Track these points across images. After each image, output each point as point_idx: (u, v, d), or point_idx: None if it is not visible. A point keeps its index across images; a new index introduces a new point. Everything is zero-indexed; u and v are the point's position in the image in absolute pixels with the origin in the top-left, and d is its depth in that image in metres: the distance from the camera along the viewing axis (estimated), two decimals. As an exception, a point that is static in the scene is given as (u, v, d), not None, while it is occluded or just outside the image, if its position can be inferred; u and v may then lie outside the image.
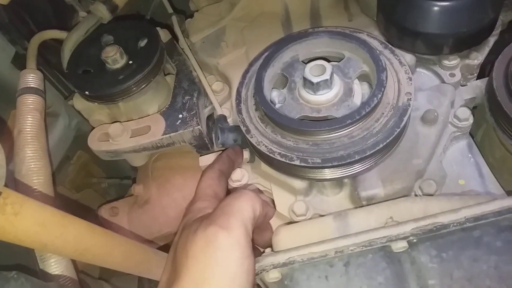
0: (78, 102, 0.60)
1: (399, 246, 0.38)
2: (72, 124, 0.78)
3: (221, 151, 0.54)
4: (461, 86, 0.55)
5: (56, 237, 0.33)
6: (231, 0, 0.70)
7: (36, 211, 0.32)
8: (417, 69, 0.58)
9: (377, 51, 0.48)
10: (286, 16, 0.64)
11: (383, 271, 0.38)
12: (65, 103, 0.74)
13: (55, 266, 0.42)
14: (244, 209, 0.40)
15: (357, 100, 0.48)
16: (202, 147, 0.57)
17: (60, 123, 0.75)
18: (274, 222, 0.49)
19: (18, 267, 0.41)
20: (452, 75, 0.55)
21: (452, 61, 0.55)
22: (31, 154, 0.51)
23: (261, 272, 0.39)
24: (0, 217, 0.29)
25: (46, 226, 0.32)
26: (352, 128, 0.45)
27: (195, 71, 0.62)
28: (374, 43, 0.51)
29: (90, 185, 0.83)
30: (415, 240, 0.38)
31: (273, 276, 0.39)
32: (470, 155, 0.51)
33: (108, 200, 0.74)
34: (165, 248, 0.52)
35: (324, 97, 0.47)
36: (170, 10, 0.69)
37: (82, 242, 0.35)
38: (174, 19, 0.67)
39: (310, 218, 0.48)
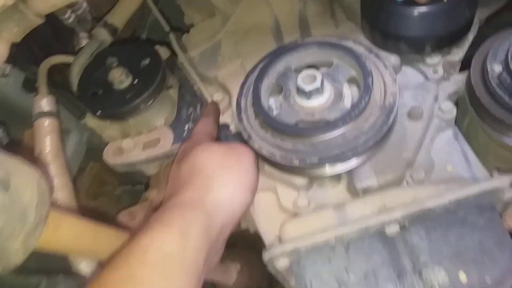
0: (91, 121, 0.65)
1: (392, 229, 0.43)
2: (83, 138, 0.83)
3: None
4: (445, 80, 0.60)
5: (91, 244, 0.38)
6: (224, 15, 0.75)
7: (73, 224, 0.37)
8: (403, 68, 0.62)
9: (363, 57, 0.53)
10: (277, 27, 0.69)
11: (380, 252, 0.43)
12: (75, 120, 0.79)
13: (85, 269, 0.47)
14: None
15: (347, 102, 0.53)
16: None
17: (72, 139, 0.80)
18: (280, 216, 0.54)
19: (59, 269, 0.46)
20: (435, 71, 0.60)
21: (434, 59, 0.59)
22: (54, 172, 0.56)
23: (271, 261, 0.44)
24: (45, 233, 0.33)
25: (83, 236, 0.36)
26: (344, 128, 0.50)
27: (197, 83, 0.67)
28: (360, 49, 0.56)
29: (104, 193, 0.88)
30: (406, 224, 0.43)
31: (282, 263, 0.44)
32: (456, 143, 0.56)
33: (124, 207, 0.79)
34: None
35: (316, 102, 0.52)
36: (167, 29, 0.74)
37: (113, 246, 0.40)
38: (172, 36, 0.72)
39: (312, 210, 0.53)
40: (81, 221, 0.38)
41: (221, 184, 0.46)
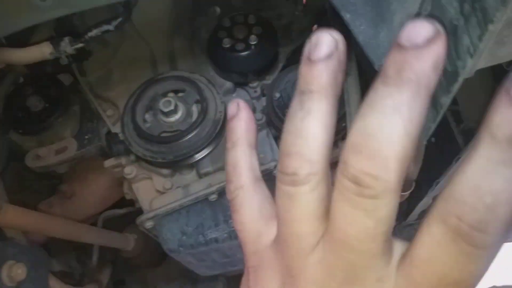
0: (14, 135, 0.87)
1: (213, 197, 0.73)
2: (4, 146, 1.03)
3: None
4: (262, 97, 0.91)
5: (26, 222, 0.63)
6: (114, 47, 0.99)
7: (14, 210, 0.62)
8: (237, 89, 0.92)
9: (202, 87, 0.82)
10: (152, 59, 0.95)
11: (205, 212, 0.73)
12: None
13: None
14: None
15: (194, 117, 0.82)
16: (104, 155, 0.87)
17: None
18: (155, 195, 0.82)
19: None
20: (255, 91, 0.90)
21: (254, 84, 0.89)
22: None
23: (142, 224, 0.72)
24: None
25: (20, 217, 0.61)
26: (190, 135, 0.78)
27: (93, 102, 0.92)
28: (203, 80, 0.84)
29: (25, 187, 1.10)
30: (219, 193, 0.73)
31: (148, 225, 0.72)
32: (267, 139, 0.88)
33: (42, 198, 1.02)
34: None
35: (173, 118, 0.79)
36: (70, 60, 0.96)
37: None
38: (73, 66, 0.94)
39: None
40: (18, 208, 0.62)
41: None
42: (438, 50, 0.19)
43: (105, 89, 0.94)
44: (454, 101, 0.68)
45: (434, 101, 0.26)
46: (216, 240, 0.71)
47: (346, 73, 0.66)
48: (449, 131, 0.82)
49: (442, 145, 0.87)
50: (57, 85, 0.88)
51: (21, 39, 0.74)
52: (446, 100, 0.25)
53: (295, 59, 0.95)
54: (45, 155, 0.83)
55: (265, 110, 0.86)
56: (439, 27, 0.19)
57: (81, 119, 0.89)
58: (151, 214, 0.72)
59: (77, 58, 0.98)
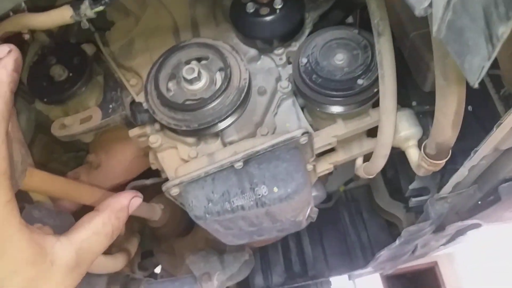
0: (39, 105, 0.87)
1: (238, 165, 0.71)
2: (32, 117, 1.04)
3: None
4: (288, 65, 0.88)
5: (52, 186, 0.63)
6: (136, 16, 0.97)
7: (40, 174, 0.62)
8: (262, 56, 0.89)
9: (226, 54, 0.79)
10: (175, 27, 0.93)
11: (231, 179, 0.71)
12: (25, 103, 1.00)
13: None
14: None
15: (218, 85, 0.80)
16: (130, 124, 0.87)
17: (22, 118, 1.02)
18: (180, 163, 0.81)
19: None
20: (281, 59, 0.87)
21: (279, 50, 0.86)
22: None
23: (167, 191, 0.71)
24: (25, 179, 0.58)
25: (46, 181, 0.61)
26: (214, 104, 0.76)
27: (116, 72, 0.91)
28: (226, 47, 0.81)
29: (53, 159, 1.11)
30: (245, 161, 0.71)
31: (174, 191, 0.71)
32: (293, 108, 0.85)
33: (70, 169, 1.03)
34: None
35: (197, 86, 0.77)
36: (93, 29, 0.95)
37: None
38: (96, 36, 0.94)
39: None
40: (44, 173, 0.62)
41: None
42: None
43: (127, 58, 0.93)
44: (494, 64, 0.64)
45: (488, 33, 0.22)
46: (242, 207, 0.69)
47: (378, 33, 0.62)
48: (487, 98, 0.78)
49: (480, 114, 0.82)
50: (81, 55, 0.87)
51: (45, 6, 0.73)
52: (504, 30, 0.22)
53: (322, 24, 0.91)
54: (71, 124, 0.83)
55: (291, 78, 0.83)
56: None
57: (105, 88, 0.88)
58: (176, 181, 0.71)
59: (99, 28, 0.97)
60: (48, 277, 0.46)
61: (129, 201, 0.58)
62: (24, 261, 0.44)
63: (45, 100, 0.83)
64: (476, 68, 0.25)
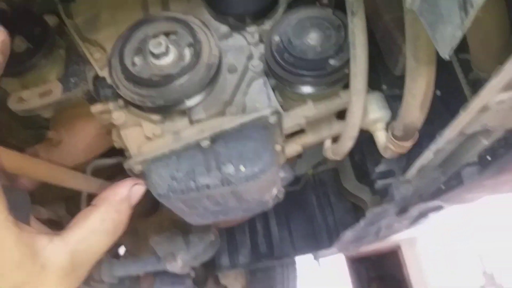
0: (-2, 78, 0.82)
1: (204, 143, 0.69)
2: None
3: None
4: (260, 44, 0.86)
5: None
6: (102, -13, 0.92)
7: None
8: (233, 34, 0.87)
9: (196, 29, 0.76)
10: (144, 0, 0.89)
11: (197, 158, 0.69)
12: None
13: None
14: None
15: (186, 61, 0.77)
16: (92, 100, 0.83)
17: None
18: (144, 141, 0.78)
19: None
20: (253, 37, 0.84)
21: (252, 28, 0.84)
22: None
23: (130, 168, 0.69)
24: None
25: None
26: (182, 79, 0.74)
27: (80, 45, 0.86)
28: (196, 22, 0.79)
29: (12, 137, 1.06)
30: (212, 139, 0.70)
31: (137, 169, 0.69)
32: (264, 88, 0.83)
33: (30, 146, 0.98)
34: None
35: (164, 61, 0.74)
36: (56, 0, 0.90)
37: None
38: (60, 7, 0.88)
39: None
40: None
41: None
42: None
43: (92, 32, 0.88)
44: (464, 48, 0.64)
45: (463, 0, 0.22)
46: (207, 186, 0.68)
47: (352, 12, 0.61)
48: (456, 84, 0.79)
49: (448, 99, 0.83)
50: (42, 26, 0.82)
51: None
52: (478, -3, 0.21)
53: (297, 4, 0.89)
54: (29, 98, 0.79)
55: (263, 57, 0.81)
56: None
57: (67, 62, 0.84)
58: (139, 158, 0.69)
59: (64, -1, 0.92)
60: (39, 283, 0.40)
61: (128, 191, 0.53)
62: (11, 264, 0.38)
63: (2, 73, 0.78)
64: (448, 38, 0.24)
